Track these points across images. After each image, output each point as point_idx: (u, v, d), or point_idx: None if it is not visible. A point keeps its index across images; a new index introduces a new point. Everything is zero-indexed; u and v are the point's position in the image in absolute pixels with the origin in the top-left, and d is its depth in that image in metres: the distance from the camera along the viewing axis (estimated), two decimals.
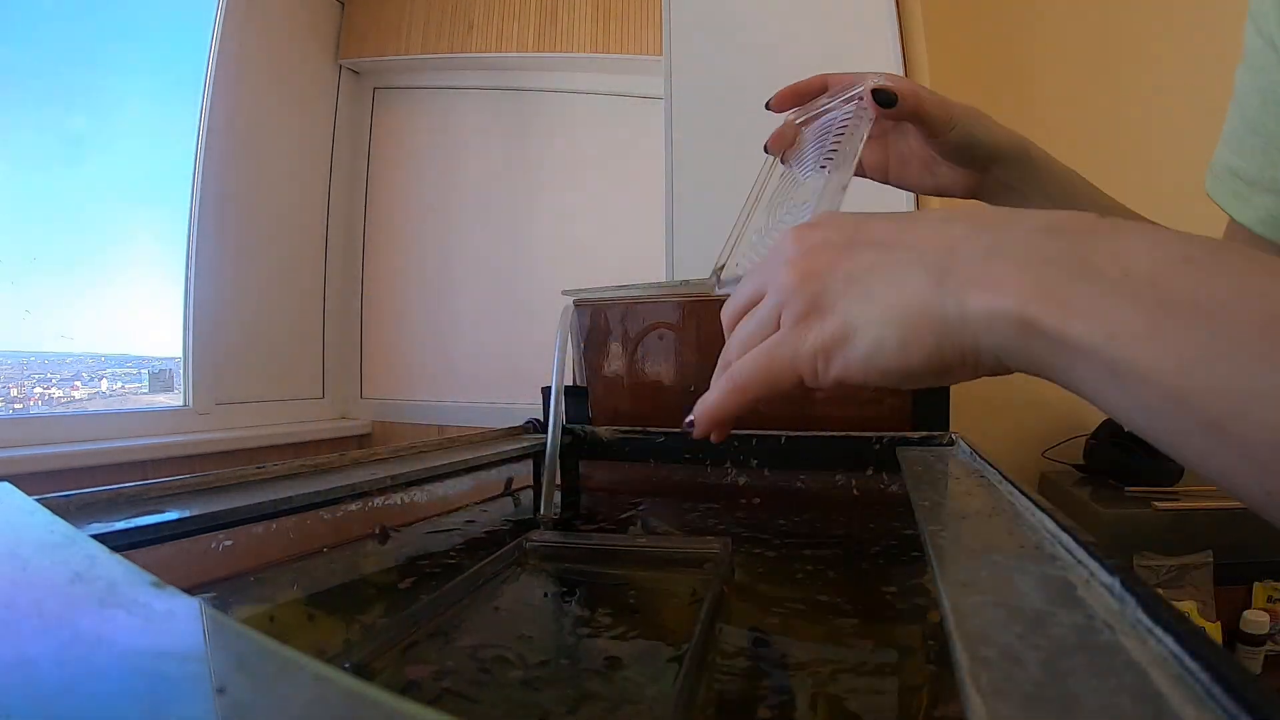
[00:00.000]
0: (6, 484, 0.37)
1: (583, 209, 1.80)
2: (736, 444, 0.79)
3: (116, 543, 0.38)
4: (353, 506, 0.56)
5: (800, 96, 0.49)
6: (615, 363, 0.93)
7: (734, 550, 0.55)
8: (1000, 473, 0.50)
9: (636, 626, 0.43)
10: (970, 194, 0.50)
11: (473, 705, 0.33)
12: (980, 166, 0.48)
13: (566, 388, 0.91)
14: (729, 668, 0.37)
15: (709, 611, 0.40)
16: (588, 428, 0.88)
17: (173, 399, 1.50)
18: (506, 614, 0.45)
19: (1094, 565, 0.28)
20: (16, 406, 1.29)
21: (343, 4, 1.86)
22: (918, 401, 0.79)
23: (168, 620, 0.19)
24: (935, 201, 1.23)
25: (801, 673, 0.36)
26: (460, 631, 0.42)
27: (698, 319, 0.87)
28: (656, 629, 0.43)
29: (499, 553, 0.54)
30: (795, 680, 0.36)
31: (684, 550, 0.55)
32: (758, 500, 0.77)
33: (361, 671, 0.35)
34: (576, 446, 0.87)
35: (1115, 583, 0.25)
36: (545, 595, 0.51)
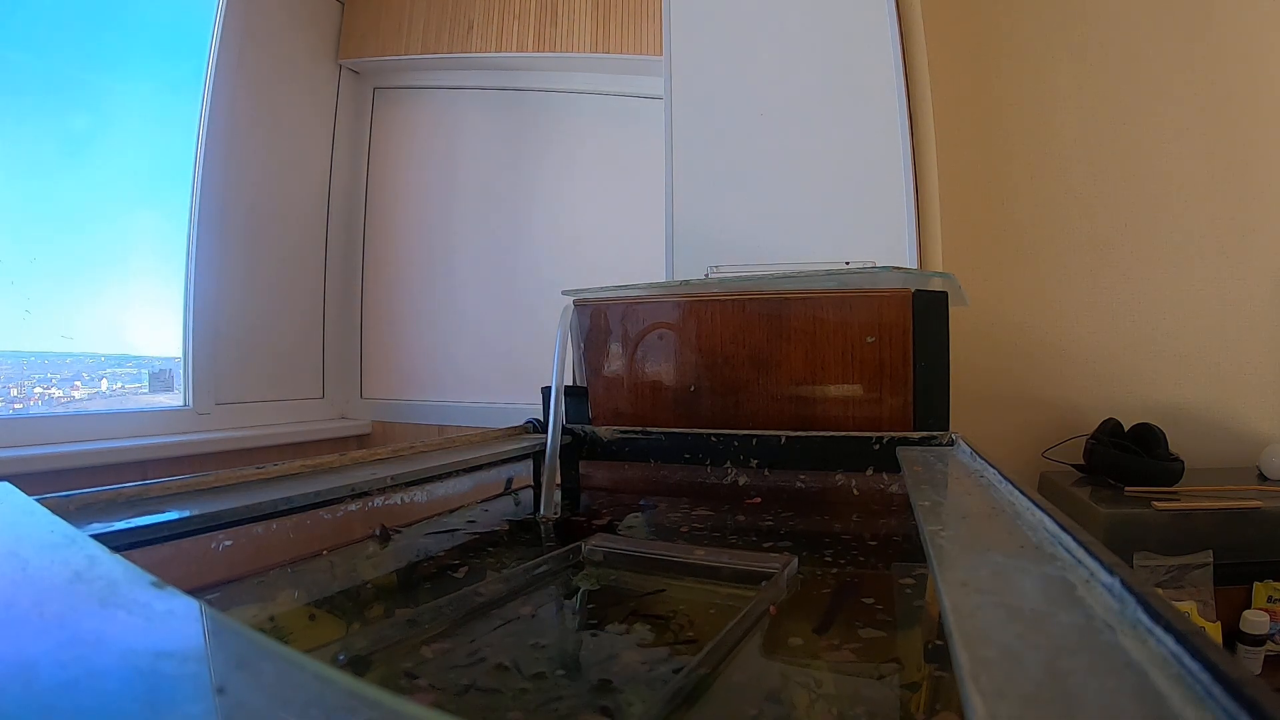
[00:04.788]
0: (6, 484, 0.37)
1: (583, 209, 1.80)
2: (736, 444, 0.79)
3: (116, 543, 0.38)
4: (353, 506, 0.56)
5: None
6: (615, 363, 0.93)
7: (797, 569, 0.52)
8: (1000, 473, 0.50)
9: (662, 641, 0.42)
10: None
11: (460, 707, 0.33)
12: None
13: (567, 388, 0.91)
14: (723, 694, 0.35)
15: (731, 633, 0.39)
16: (588, 428, 0.88)
17: (173, 399, 1.49)
18: (540, 621, 0.45)
19: (1094, 565, 0.28)
20: (16, 406, 1.29)
21: (343, 4, 1.86)
22: (918, 401, 0.79)
23: (168, 620, 0.19)
24: (936, 201, 1.24)
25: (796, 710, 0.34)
26: (492, 638, 0.42)
27: (698, 319, 0.87)
28: (680, 645, 0.41)
29: (555, 552, 0.54)
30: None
31: (742, 566, 0.53)
32: (757, 500, 0.77)
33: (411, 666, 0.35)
34: (576, 446, 0.87)
35: (1115, 583, 0.25)
36: (587, 603, 0.50)
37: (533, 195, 1.82)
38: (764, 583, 0.49)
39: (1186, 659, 0.19)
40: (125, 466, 1.24)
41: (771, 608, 0.45)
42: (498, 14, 1.75)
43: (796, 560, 0.53)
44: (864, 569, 0.56)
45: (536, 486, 0.82)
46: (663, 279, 1.25)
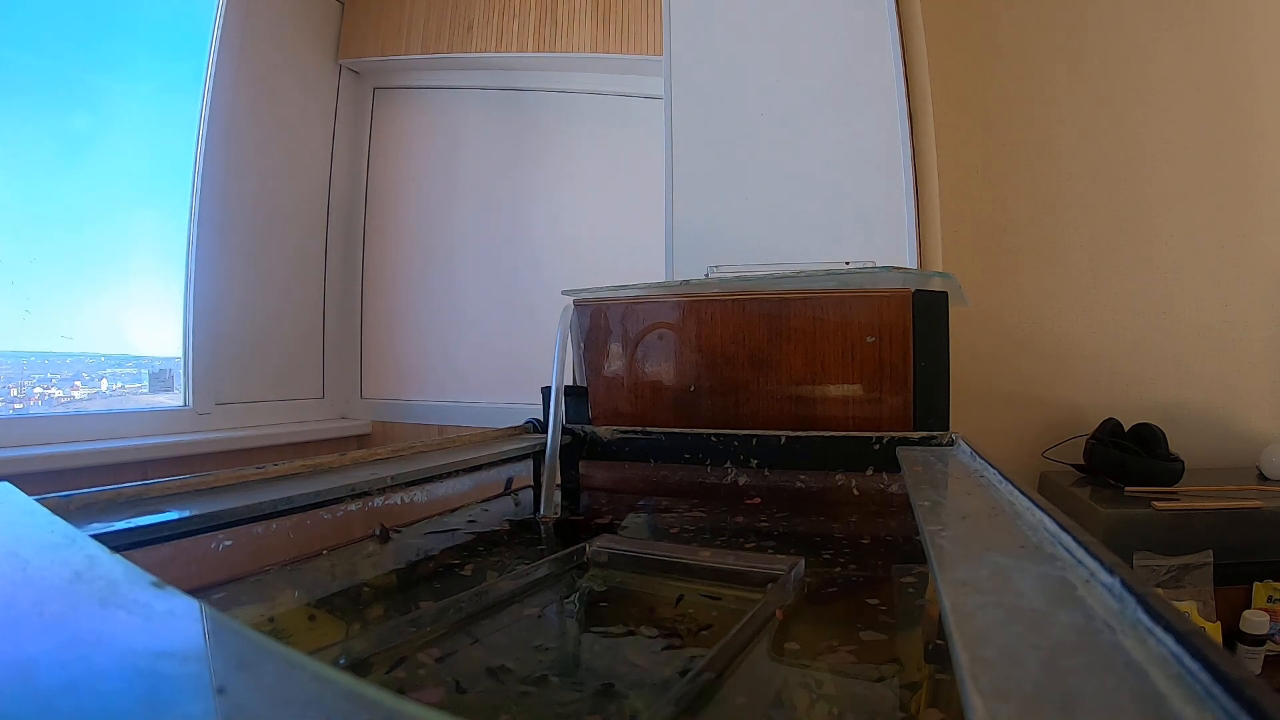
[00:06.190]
0: (6, 484, 0.37)
1: (583, 209, 1.80)
2: (736, 444, 0.79)
3: (116, 543, 0.38)
4: (353, 506, 0.56)
5: None
6: (615, 363, 0.93)
7: (805, 572, 0.52)
8: (1000, 473, 0.50)
9: (665, 645, 0.41)
10: None
11: (463, 709, 0.33)
12: None
13: (567, 388, 0.91)
14: (729, 698, 0.34)
15: (735, 639, 0.38)
16: (588, 428, 0.88)
17: (173, 399, 1.49)
18: (545, 623, 0.45)
19: (1094, 565, 0.28)
20: (16, 406, 1.29)
21: (343, 4, 1.86)
22: (918, 401, 0.79)
23: (168, 620, 0.19)
24: (936, 201, 1.24)
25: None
26: (495, 638, 0.41)
27: (698, 319, 0.87)
28: (682, 651, 0.41)
29: (560, 553, 0.54)
30: None
31: (748, 568, 0.53)
32: (757, 500, 0.77)
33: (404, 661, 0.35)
34: (576, 446, 0.87)
35: (1115, 583, 0.25)
36: (595, 604, 0.50)
37: (533, 195, 1.82)
38: (770, 585, 0.49)
39: (1186, 659, 0.19)
40: (125, 466, 1.24)
41: (778, 611, 0.45)
42: (498, 14, 1.75)
43: (803, 562, 0.52)
44: (864, 569, 0.56)
45: (536, 486, 0.82)
46: (663, 279, 1.25)
